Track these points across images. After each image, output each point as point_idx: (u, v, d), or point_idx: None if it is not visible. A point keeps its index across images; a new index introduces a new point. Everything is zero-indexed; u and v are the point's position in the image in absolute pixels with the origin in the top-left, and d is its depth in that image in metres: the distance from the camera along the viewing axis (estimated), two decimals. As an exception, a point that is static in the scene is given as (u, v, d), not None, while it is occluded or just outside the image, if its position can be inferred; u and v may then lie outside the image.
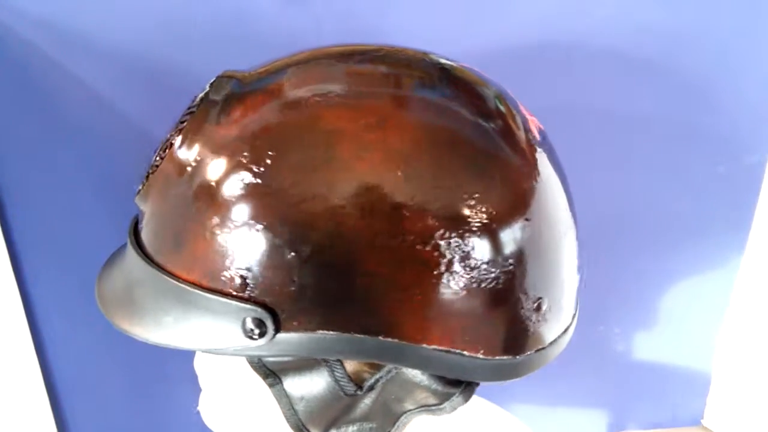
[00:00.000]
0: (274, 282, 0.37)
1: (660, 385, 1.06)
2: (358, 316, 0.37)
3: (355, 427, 0.43)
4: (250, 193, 0.37)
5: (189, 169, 0.38)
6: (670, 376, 1.05)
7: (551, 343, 0.42)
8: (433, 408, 0.42)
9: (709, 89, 0.85)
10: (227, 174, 0.37)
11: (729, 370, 1.04)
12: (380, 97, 0.39)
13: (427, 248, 0.36)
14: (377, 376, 0.42)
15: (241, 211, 0.36)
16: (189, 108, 0.42)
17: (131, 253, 0.42)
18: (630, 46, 0.81)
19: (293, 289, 0.36)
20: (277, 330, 0.37)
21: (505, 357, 0.40)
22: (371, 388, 0.42)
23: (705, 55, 0.83)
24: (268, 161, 0.36)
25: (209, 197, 0.37)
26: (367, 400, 0.42)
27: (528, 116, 0.43)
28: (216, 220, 0.37)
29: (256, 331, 0.37)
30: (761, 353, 1.00)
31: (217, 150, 0.38)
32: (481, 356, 0.39)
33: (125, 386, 0.94)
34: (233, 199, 0.37)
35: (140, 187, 0.42)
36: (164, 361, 0.91)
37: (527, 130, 0.41)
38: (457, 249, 0.36)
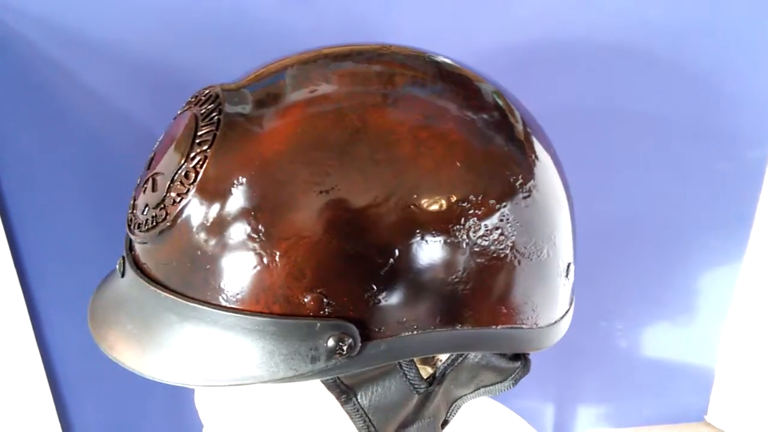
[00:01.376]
0: (353, 293, 0.36)
1: (663, 382, 1.06)
2: (436, 311, 0.37)
3: (416, 425, 0.43)
4: (317, 207, 0.35)
5: (234, 194, 0.35)
6: (673, 372, 1.05)
7: (570, 304, 0.45)
8: (496, 385, 0.44)
9: (710, 86, 0.85)
10: (289, 192, 0.35)
11: (732, 367, 1.04)
12: (419, 95, 0.40)
13: (494, 234, 0.37)
14: (443, 367, 0.42)
15: (311, 228, 0.35)
16: (183, 133, 0.39)
17: (154, 296, 0.38)
18: (632, 42, 0.81)
19: (373, 296, 0.36)
20: (363, 341, 0.36)
21: (551, 323, 0.43)
22: (440, 381, 0.42)
23: (706, 52, 0.83)
24: (330, 171, 0.35)
25: (271, 219, 0.35)
26: (435, 395, 0.43)
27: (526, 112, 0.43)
28: (284, 242, 0.35)
29: (344, 347, 0.36)
30: (765, 349, 1.00)
31: (266, 168, 0.35)
32: (536, 326, 0.41)
33: (128, 384, 0.94)
34: (300, 217, 0.35)
35: (150, 226, 0.38)
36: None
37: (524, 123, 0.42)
38: (515, 229, 0.38)
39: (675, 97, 0.85)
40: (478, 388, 0.44)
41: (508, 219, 0.38)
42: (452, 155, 0.37)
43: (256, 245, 0.35)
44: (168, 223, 0.37)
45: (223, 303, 0.36)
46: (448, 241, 0.36)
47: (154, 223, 0.37)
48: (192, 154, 0.37)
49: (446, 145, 0.37)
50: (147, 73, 0.76)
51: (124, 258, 0.41)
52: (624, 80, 0.84)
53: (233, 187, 0.35)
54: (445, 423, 0.46)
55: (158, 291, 0.37)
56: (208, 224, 0.36)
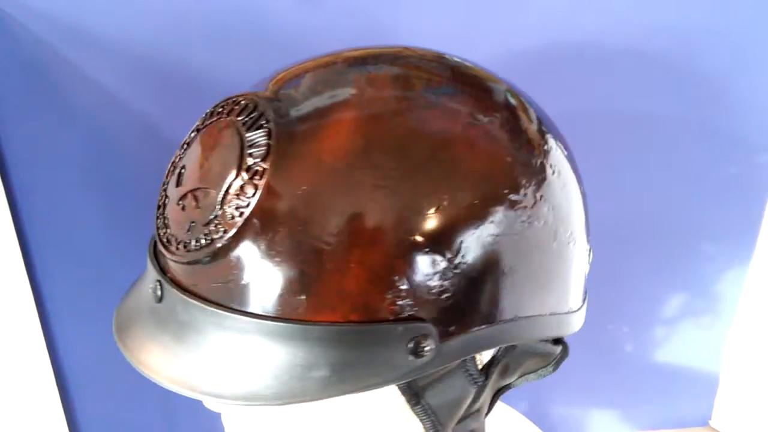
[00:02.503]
0: (427, 294, 0.36)
1: (668, 386, 1.05)
2: (499, 304, 0.38)
3: (470, 418, 0.44)
4: (386, 210, 0.35)
5: (300, 204, 0.35)
6: (678, 376, 1.05)
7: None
8: (540, 371, 0.46)
9: (720, 89, 0.85)
10: (356, 197, 0.35)
11: (737, 371, 1.04)
12: (461, 93, 0.40)
13: (540, 223, 0.39)
14: (497, 357, 0.43)
15: (382, 232, 0.35)
16: (225, 145, 0.37)
17: (213, 318, 0.36)
18: (641, 45, 0.81)
19: (447, 296, 0.36)
20: (440, 341, 0.36)
21: (580, 306, 0.45)
22: (492, 372, 0.43)
23: (716, 54, 0.83)
24: (393, 174, 0.35)
25: (341, 227, 0.34)
26: (486, 386, 0.43)
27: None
28: (358, 249, 0.34)
29: (425, 348, 0.36)
30: (770, 354, 1.00)
31: (330, 176, 0.35)
32: (571, 310, 0.44)
33: (136, 383, 0.94)
34: (370, 222, 0.35)
35: (203, 244, 0.36)
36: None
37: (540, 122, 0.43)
38: (555, 217, 0.40)
39: (682, 100, 0.85)
40: (522, 376, 0.46)
41: (550, 207, 0.39)
42: (500, 151, 0.39)
43: (329, 254, 0.34)
44: (227, 239, 0.35)
45: (298, 316, 0.35)
46: (507, 233, 0.37)
47: (209, 241, 0.36)
48: (246, 167, 0.36)
49: (494, 141, 0.39)
50: (154, 70, 0.76)
51: (160, 282, 0.39)
52: (630, 83, 0.83)
53: (298, 197, 0.35)
54: (486, 414, 0.47)
55: (220, 311, 0.36)
56: (276, 237, 0.35)
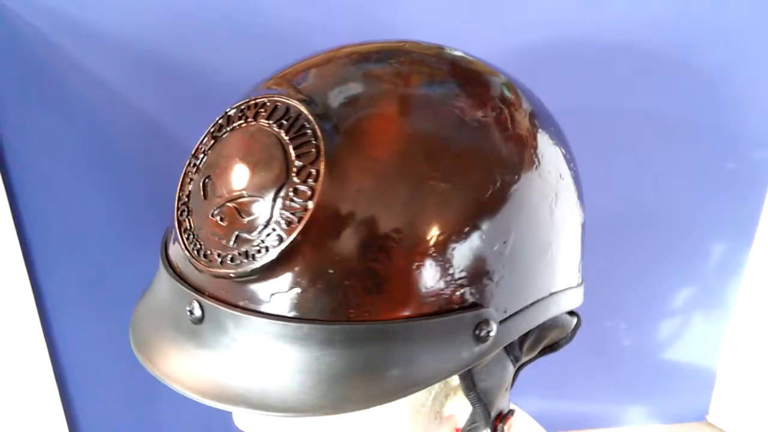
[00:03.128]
0: (486, 279, 0.37)
1: (665, 381, 1.06)
2: (540, 282, 0.40)
3: (502, 397, 0.44)
4: (446, 200, 0.35)
5: (361, 203, 0.34)
6: (675, 371, 1.05)
7: None
8: (561, 342, 0.47)
9: (717, 85, 0.85)
10: (415, 190, 0.35)
11: (734, 367, 1.04)
12: (487, 85, 0.41)
13: (564, 201, 0.41)
14: (526, 333, 0.43)
15: (445, 222, 0.35)
16: (262, 149, 0.36)
17: (279, 331, 0.34)
18: (638, 42, 0.81)
19: (500, 279, 0.37)
20: (499, 324, 0.37)
21: (581, 279, 0.46)
22: (524, 347, 0.44)
23: (712, 51, 0.83)
24: (446, 163, 0.36)
25: (405, 221, 0.34)
26: (518, 364, 0.44)
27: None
28: (424, 242, 0.34)
29: (489, 333, 0.37)
30: (766, 349, 1.00)
31: (386, 171, 0.35)
32: (580, 281, 0.45)
33: (136, 382, 0.94)
34: (433, 213, 0.35)
35: (258, 256, 0.34)
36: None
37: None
38: (574, 196, 0.42)
39: (681, 96, 0.85)
40: (542, 350, 0.47)
41: (569, 187, 0.41)
42: (531, 131, 0.40)
43: (396, 250, 0.34)
44: (286, 247, 0.33)
45: (369, 316, 0.34)
46: (546, 212, 0.39)
47: (264, 250, 0.34)
48: (295, 170, 0.34)
49: (525, 122, 0.40)
50: (155, 66, 0.76)
51: (199, 303, 0.36)
52: (628, 79, 0.84)
53: (357, 196, 0.34)
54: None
55: (286, 323, 0.34)
56: (339, 239, 0.34)
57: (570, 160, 0.44)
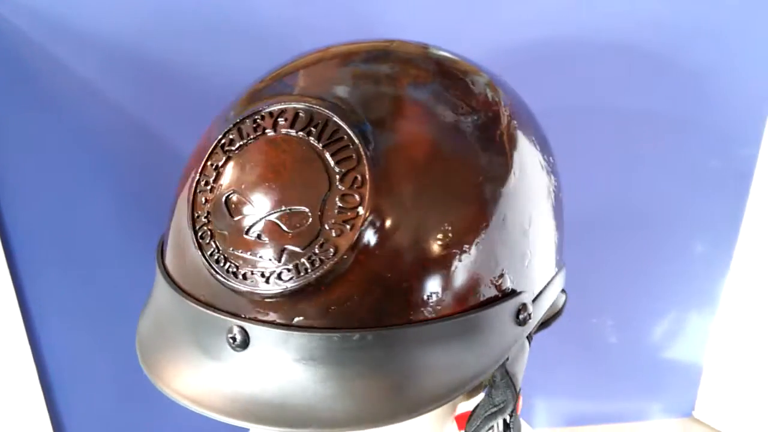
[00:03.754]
0: (519, 264, 0.38)
1: (651, 377, 1.06)
2: (554, 259, 0.43)
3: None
4: (483, 191, 0.36)
5: (410, 203, 0.34)
6: (661, 368, 1.06)
7: None
8: (553, 318, 0.49)
9: (702, 82, 0.85)
10: (456, 184, 0.35)
11: (721, 363, 1.05)
12: (483, 79, 0.42)
13: (556, 182, 0.44)
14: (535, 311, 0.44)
15: (486, 213, 0.36)
16: (298, 159, 0.34)
17: (344, 344, 0.33)
18: (624, 40, 0.81)
19: (530, 263, 0.39)
20: (533, 305, 0.39)
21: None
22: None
23: (698, 48, 0.83)
24: (478, 156, 0.37)
25: (453, 216, 0.35)
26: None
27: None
28: (471, 234, 0.35)
29: (527, 317, 0.39)
30: (753, 346, 1.01)
31: (428, 169, 0.35)
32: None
33: (122, 384, 0.94)
34: (475, 205, 0.36)
35: (311, 269, 0.33)
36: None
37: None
38: (556, 173, 0.44)
39: (664, 93, 0.85)
40: (539, 328, 0.48)
41: (555, 165, 0.44)
42: (530, 124, 0.42)
43: (449, 245, 0.34)
44: (341, 256, 0.33)
45: (428, 316, 0.34)
46: (547, 193, 0.41)
47: (318, 263, 0.33)
48: (339, 177, 0.34)
49: (524, 115, 0.42)
50: (146, 66, 0.76)
51: (242, 327, 0.34)
52: (614, 78, 0.84)
53: (405, 197, 0.34)
54: None
55: (350, 335, 0.33)
56: (393, 242, 0.33)
57: (548, 142, 0.46)
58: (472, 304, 0.36)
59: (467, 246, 0.35)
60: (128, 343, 0.88)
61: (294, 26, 0.75)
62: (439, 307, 0.35)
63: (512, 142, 0.39)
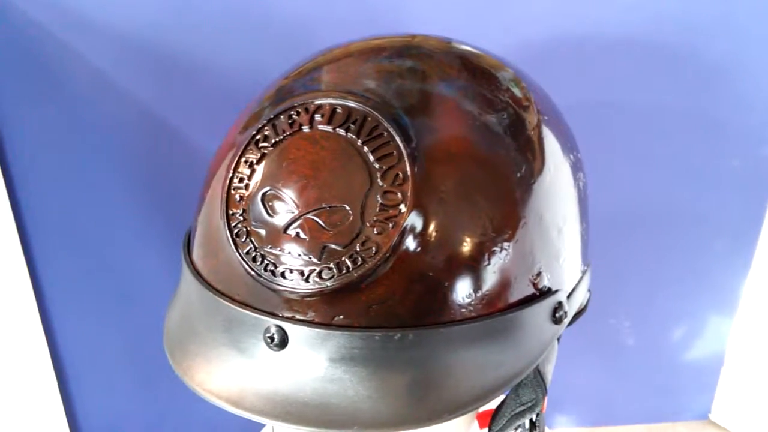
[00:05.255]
0: (555, 261, 0.38)
1: (668, 379, 1.05)
2: (582, 257, 0.42)
3: None
4: (520, 186, 0.36)
5: (451, 199, 0.34)
6: (678, 370, 1.05)
7: None
8: (579, 316, 0.46)
9: (723, 81, 0.84)
10: (494, 179, 0.35)
11: (738, 365, 1.04)
12: (506, 74, 0.41)
13: (582, 178, 0.43)
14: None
15: (523, 208, 0.36)
16: (336, 156, 0.34)
17: (387, 341, 0.33)
18: (643, 36, 0.80)
19: (564, 259, 0.39)
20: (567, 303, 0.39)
21: None
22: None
23: (720, 46, 0.82)
24: (512, 149, 0.36)
25: (493, 211, 0.34)
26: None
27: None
28: (510, 231, 0.35)
29: (564, 314, 0.38)
30: (771, 348, 0.99)
31: (466, 163, 0.35)
32: None
33: (135, 375, 0.94)
34: (513, 201, 0.35)
35: (353, 267, 0.32)
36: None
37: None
38: (583, 169, 0.44)
39: (685, 92, 0.84)
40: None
41: (580, 161, 0.43)
42: (558, 120, 0.41)
43: (489, 243, 0.34)
44: (384, 254, 0.32)
45: (469, 314, 0.34)
46: (579, 191, 0.41)
47: (360, 261, 0.32)
48: (380, 174, 0.33)
49: (552, 111, 0.41)
50: (157, 58, 0.76)
51: (280, 327, 0.34)
52: (631, 74, 0.83)
53: (446, 194, 0.33)
54: None
55: (392, 335, 0.32)
56: (435, 240, 0.33)
57: (574, 138, 0.45)
58: (510, 303, 0.35)
59: (507, 244, 0.34)
60: (141, 329, 0.89)
61: (310, 21, 0.75)
62: (479, 306, 0.34)
63: (544, 139, 0.39)
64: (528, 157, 0.37)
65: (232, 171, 0.36)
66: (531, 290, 0.36)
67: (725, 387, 1.06)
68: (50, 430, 0.90)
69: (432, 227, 0.33)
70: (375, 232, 0.32)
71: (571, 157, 0.41)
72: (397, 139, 0.33)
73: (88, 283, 0.87)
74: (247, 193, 0.35)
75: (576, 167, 0.41)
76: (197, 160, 0.79)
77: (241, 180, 0.36)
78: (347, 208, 0.33)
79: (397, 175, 0.33)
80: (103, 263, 0.86)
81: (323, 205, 0.33)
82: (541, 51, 0.79)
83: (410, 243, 0.33)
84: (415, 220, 0.32)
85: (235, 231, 0.35)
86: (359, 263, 0.32)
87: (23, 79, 0.76)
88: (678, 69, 0.83)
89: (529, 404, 0.42)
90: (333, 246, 0.33)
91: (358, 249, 0.33)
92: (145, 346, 0.91)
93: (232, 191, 0.36)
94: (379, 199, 0.33)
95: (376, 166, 0.33)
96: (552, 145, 0.39)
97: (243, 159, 0.36)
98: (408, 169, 0.33)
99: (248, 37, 0.75)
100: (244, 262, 0.34)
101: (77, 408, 0.94)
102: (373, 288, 0.33)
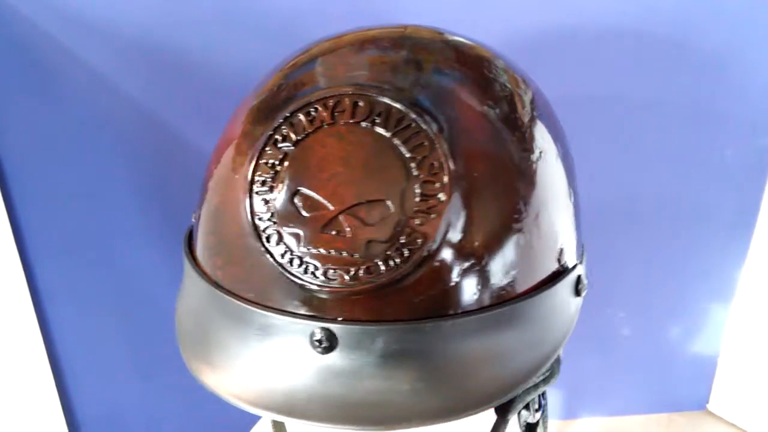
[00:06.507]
0: (572, 237, 0.40)
1: (665, 370, 1.06)
2: (582, 234, 0.43)
3: None
4: (543, 167, 0.37)
5: (485, 184, 0.34)
6: (675, 360, 1.05)
7: None
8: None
9: (717, 71, 0.84)
10: (519, 162, 0.36)
11: (735, 355, 1.04)
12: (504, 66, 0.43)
13: (573, 166, 0.44)
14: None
15: (549, 188, 0.37)
16: (371, 152, 0.33)
17: (437, 330, 0.33)
18: (636, 25, 0.80)
19: (578, 235, 0.40)
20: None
21: None
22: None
23: (714, 35, 0.81)
24: (529, 133, 0.37)
25: (524, 193, 0.35)
26: None
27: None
28: (539, 211, 0.36)
29: (585, 285, 0.40)
30: (767, 338, 1.00)
31: (494, 149, 0.35)
32: None
33: (131, 368, 0.94)
34: (540, 183, 0.37)
35: (401, 260, 0.32)
36: (172, 340, 0.92)
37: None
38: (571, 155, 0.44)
39: (678, 82, 0.84)
40: None
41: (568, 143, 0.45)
42: (546, 100, 0.42)
43: (522, 223, 0.35)
44: (426, 246, 0.32)
45: (511, 295, 0.35)
46: (571, 164, 0.41)
47: (407, 253, 0.32)
48: (416, 163, 0.33)
49: (539, 90, 0.42)
50: (147, 53, 0.76)
51: (327, 329, 0.33)
52: (624, 63, 0.82)
53: (479, 180, 0.34)
54: None
55: (444, 322, 0.33)
56: (475, 225, 0.33)
57: (561, 125, 0.46)
58: (543, 280, 0.37)
59: (537, 222, 0.36)
60: (137, 322, 0.89)
61: (305, 14, 0.75)
62: (518, 287, 0.35)
63: (546, 118, 0.40)
64: (537, 137, 0.38)
65: (251, 174, 0.35)
66: (556, 266, 0.38)
67: (723, 377, 1.06)
68: (47, 424, 0.90)
69: (471, 213, 0.33)
70: (417, 223, 0.32)
71: (560, 131, 0.42)
72: (427, 128, 0.33)
73: (83, 277, 0.87)
74: (274, 196, 0.34)
75: (565, 141, 0.43)
76: (191, 154, 0.79)
77: (263, 183, 0.34)
78: (387, 201, 0.33)
79: (433, 164, 0.33)
80: (99, 257, 0.86)
81: (361, 201, 0.33)
82: (535, 42, 0.79)
83: (452, 231, 0.33)
84: (455, 207, 0.33)
85: (265, 236, 0.34)
86: (406, 255, 0.32)
87: (14, 74, 0.76)
88: (671, 56, 0.82)
89: (544, 376, 0.43)
90: (377, 241, 0.33)
91: (402, 241, 0.32)
92: (142, 338, 0.91)
93: (256, 195, 0.35)
94: (417, 189, 0.33)
95: (410, 156, 0.33)
96: (549, 123, 0.40)
97: (262, 161, 0.35)
98: (442, 157, 0.33)
99: (241, 30, 0.75)
100: (280, 267, 0.34)
101: (74, 401, 0.94)
102: (420, 279, 0.33)
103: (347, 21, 0.49)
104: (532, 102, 0.40)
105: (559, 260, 0.38)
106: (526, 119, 0.38)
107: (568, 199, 0.39)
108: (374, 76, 0.36)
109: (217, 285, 0.37)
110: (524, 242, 0.35)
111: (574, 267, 0.40)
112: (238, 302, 0.36)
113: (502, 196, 0.35)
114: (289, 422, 0.32)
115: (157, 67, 0.76)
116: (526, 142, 0.37)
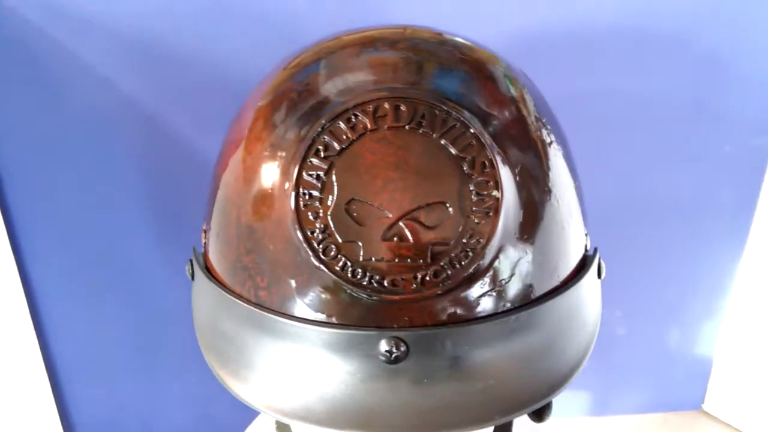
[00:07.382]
0: (586, 222, 0.41)
1: (661, 370, 1.06)
2: (585, 213, 0.44)
3: None
4: (563, 160, 0.39)
5: (528, 177, 0.35)
6: (671, 360, 1.05)
7: None
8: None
9: (717, 69, 0.84)
10: (551, 156, 0.38)
11: (731, 355, 1.04)
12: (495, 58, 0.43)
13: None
14: None
15: (566, 174, 0.38)
16: (424, 155, 0.33)
17: (504, 325, 0.34)
18: (636, 22, 0.80)
19: (586, 218, 0.41)
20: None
21: None
22: None
23: (714, 33, 0.81)
24: (545, 124, 0.39)
25: (553, 180, 0.37)
26: None
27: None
28: (577, 197, 0.39)
29: (603, 269, 0.42)
30: (763, 338, 1.00)
31: (529, 142, 0.37)
32: None
33: (126, 370, 0.94)
34: (563, 170, 0.38)
35: (465, 262, 0.33)
36: (167, 340, 0.91)
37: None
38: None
39: (679, 79, 0.84)
40: None
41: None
42: (540, 93, 0.43)
43: (563, 210, 0.37)
44: (489, 245, 0.33)
45: (562, 282, 0.37)
46: (571, 160, 0.42)
47: (471, 254, 0.33)
48: (468, 162, 0.33)
49: (534, 86, 0.43)
50: (144, 50, 0.75)
51: (397, 338, 0.32)
52: (625, 61, 0.82)
53: (524, 173, 0.35)
54: None
55: (506, 319, 0.33)
56: (529, 218, 0.35)
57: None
58: (580, 265, 0.39)
59: (573, 209, 0.38)
60: (134, 320, 0.89)
61: (304, 12, 0.74)
62: (566, 273, 0.37)
63: (548, 109, 0.42)
64: (548, 127, 0.39)
65: (294, 188, 0.34)
66: (584, 251, 0.40)
67: (718, 377, 1.07)
68: (42, 426, 0.90)
69: (525, 207, 0.35)
70: (476, 222, 0.33)
71: (558, 122, 0.43)
72: (472, 128, 0.34)
73: (79, 277, 0.87)
74: (325, 208, 0.33)
75: (562, 131, 0.44)
76: (190, 154, 0.78)
77: (311, 197, 0.33)
78: (444, 203, 0.33)
79: (484, 162, 0.33)
80: (95, 257, 0.86)
81: (419, 205, 0.33)
82: (537, 40, 0.79)
83: (509, 226, 0.34)
84: (509, 203, 0.34)
85: (321, 249, 0.33)
86: (471, 256, 0.33)
87: (7, 72, 0.75)
88: (670, 55, 0.82)
89: None
90: (441, 243, 0.33)
91: (465, 242, 0.33)
92: (138, 340, 0.91)
93: (304, 209, 0.33)
94: (473, 188, 0.33)
95: (461, 156, 0.33)
96: (550, 114, 0.41)
97: (306, 174, 0.34)
98: (490, 155, 0.34)
99: (240, 28, 0.75)
100: (341, 280, 0.33)
101: (69, 402, 0.94)
102: (486, 277, 0.33)
103: (347, 21, 0.49)
104: (536, 98, 0.41)
105: (585, 245, 0.40)
106: (538, 112, 0.39)
107: (579, 184, 0.41)
108: (401, 78, 0.35)
109: (259, 306, 0.36)
110: (569, 230, 0.37)
111: (595, 252, 0.42)
112: (292, 322, 0.34)
113: (539, 187, 0.36)
114: None
115: (156, 67, 0.76)
116: (544, 134, 0.38)
